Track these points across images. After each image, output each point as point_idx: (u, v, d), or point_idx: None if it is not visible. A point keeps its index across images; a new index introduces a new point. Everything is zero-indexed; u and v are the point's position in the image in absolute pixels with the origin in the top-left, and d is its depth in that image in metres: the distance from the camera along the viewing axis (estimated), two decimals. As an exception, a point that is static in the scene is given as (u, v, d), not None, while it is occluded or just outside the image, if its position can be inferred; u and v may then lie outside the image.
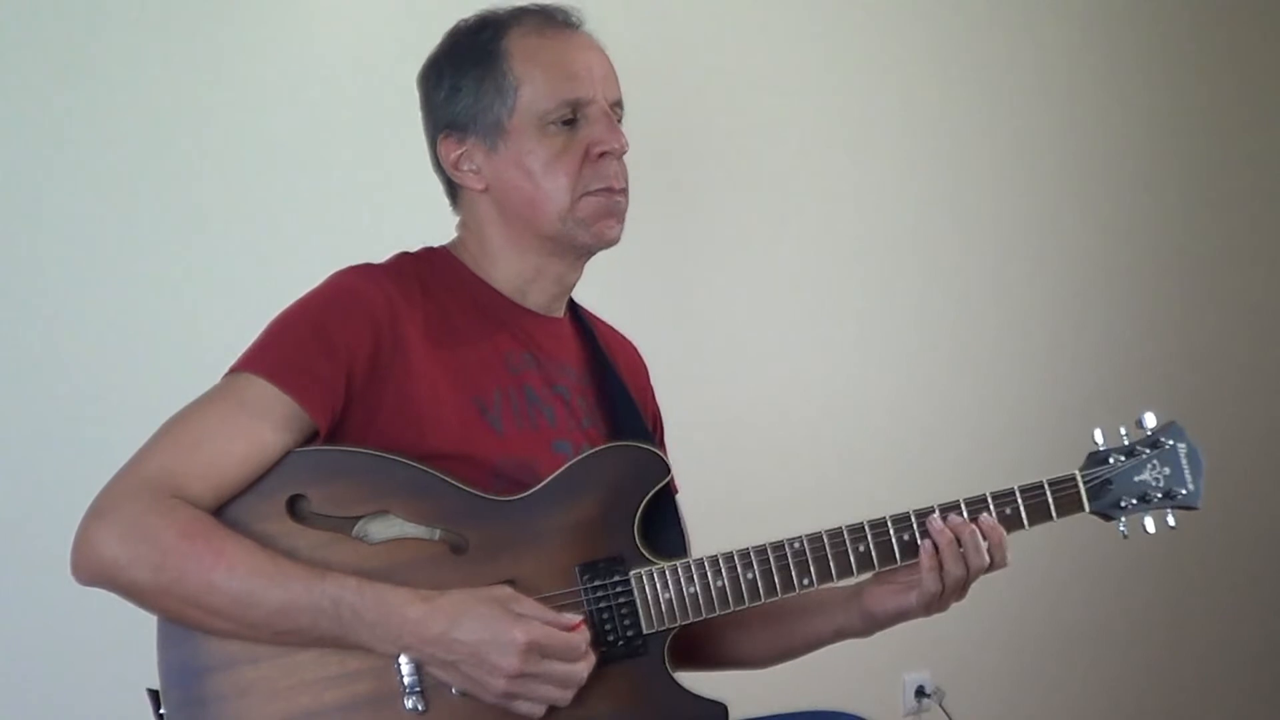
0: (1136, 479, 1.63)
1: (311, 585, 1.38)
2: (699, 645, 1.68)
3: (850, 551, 1.55)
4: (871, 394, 2.98)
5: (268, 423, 1.43)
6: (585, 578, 1.49)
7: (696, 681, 1.55)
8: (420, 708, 1.41)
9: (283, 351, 1.48)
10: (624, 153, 1.61)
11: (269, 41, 2.41)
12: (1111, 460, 1.63)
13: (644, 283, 2.64)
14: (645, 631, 1.50)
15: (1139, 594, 3.25)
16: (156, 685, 1.42)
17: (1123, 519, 1.63)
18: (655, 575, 1.51)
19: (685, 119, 2.74)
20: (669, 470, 1.56)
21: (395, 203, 2.41)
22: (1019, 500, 1.59)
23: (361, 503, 1.45)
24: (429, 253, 1.67)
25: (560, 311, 1.70)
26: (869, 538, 1.55)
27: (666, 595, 1.51)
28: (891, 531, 1.56)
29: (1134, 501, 1.62)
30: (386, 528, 1.45)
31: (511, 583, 1.45)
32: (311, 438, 1.46)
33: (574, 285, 1.70)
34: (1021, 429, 3.08)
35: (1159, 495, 1.63)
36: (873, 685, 2.85)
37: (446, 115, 1.63)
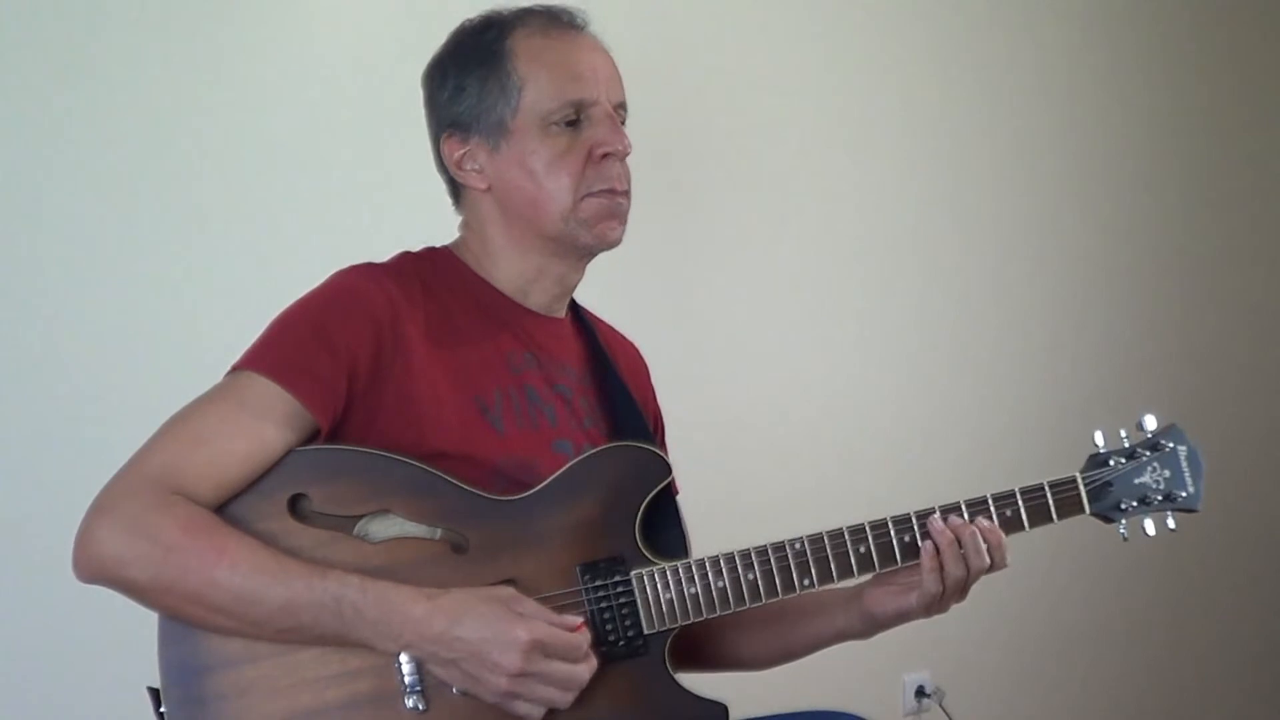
0: (1137, 481, 1.63)
1: (313, 583, 1.38)
2: (699, 646, 1.68)
3: (851, 552, 1.55)
4: (871, 394, 2.98)
5: (269, 421, 1.43)
6: (586, 578, 1.49)
7: (696, 682, 1.55)
8: (421, 707, 1.41)
9: (285, 350, 1.48)
10: (627, 154, 1.61)
11: (269, 41, 2.41)
12: (1112, 463, 1.64)
13: (644, 283, 2.64)
14: (646, 632, 1.50)
15: (1139, 594, 3.25)
16: (157, 683, 1.42)
17: (1123, 521, 1.63)
18: (656, 575, 1.51)
19: (685, 119, 2.74)
20: (670, 470, 1.56)
21: (395, 203, 2.41)
22: (1019, 502, 1.59)
23: (362, 502, 1.45)
24: (431, 252, 1.67)
25: (562, 312, 1.70)
26: (870, 539, 1.56)
27: (667, 595, 1.51)
28: (892, 532, 1.56)
29: (1134, 504, 1.63)
30: (387, 527, 1.46)
31: (512, 582, 1.45)
32: (313, 437, 1.46)
33: (575, 286, 1.70)
34: (1021, 429, 3.08)
35: (1159, 497, 1.63)
36: (873, 685, 2.85)
37: (450, 115, 1.63)
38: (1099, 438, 1.65)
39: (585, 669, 1.42)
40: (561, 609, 1.46)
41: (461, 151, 1.63)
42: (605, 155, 1.58)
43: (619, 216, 1.61)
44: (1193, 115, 3.34)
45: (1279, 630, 3.47)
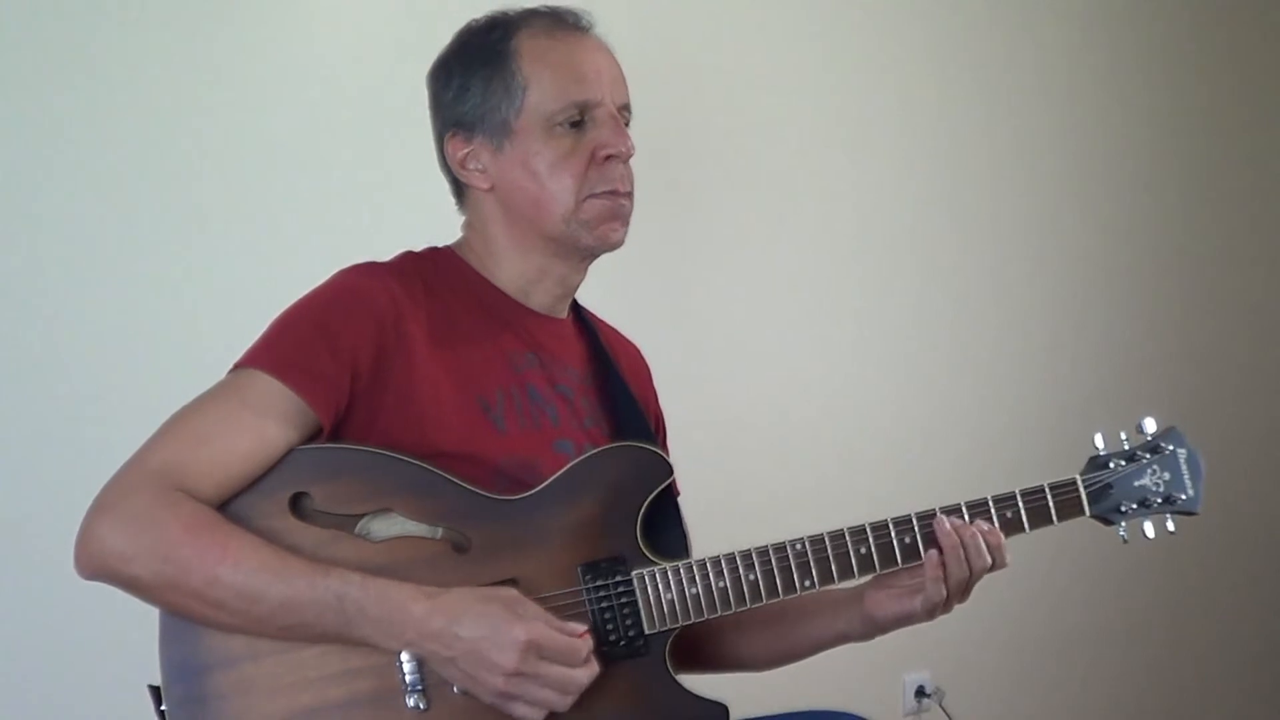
0: (1137, 484, 1.64)
1: (316, 580, 1.38)
2: (699, 647, 1.68)
3: (852, 553, 1.55)
4: (871, 394, 2.98)
5: (272, 419, 1.43)
6: (587, 577, 1.49)
7: (697, 682, 1.55)
8: (422, 706, 1.41)
9: (287, 348, 1.48)
10: (630, 156, 1.61)
11: (269, 41, 2.41)
12: (1112, 465, 1.64)
13: (643, 283, 2.64)
14: (647, 632, 1.50)
15: (1139, 594, 3.25)
16: (157, 681, 1.42)
17: (1123, 523, 1.64)
18: (657, 575, 1.51)
19: (684, 118, 2.74)
20: (671, 471, 1.56)
21: (395, 203, 2.41)
22: (1019, 504, 1.59)
23: (364, 501, 1.45)
24: (433, 252, 1.67)
25: (563, 312, 1.70)
26: (870, 540, 1.56)
27: (668, 595, 1.51)
28: (893, 534, 1.56)
29: (1134, 506, 1.63)
30: (389, 526, 1.46)
31: (514, 582, 1.45)
32: (315, 435, 1.46)
33: (577, 287, 1.70)
34: (1021, 429, 3.08)
35: (1159, 500, 1.64)
36: (873, 685, 2.85)
37: (454, 114, 1.63)
38: (1099, 440, 1.66)
39: (584, 674, 1.42)
40: (562, 608, 1.46)
41: (465, 151, 1.63)
42: (608, 157, 1.59)
43: (621, 218, 1.61)
44: (1193, 115, 3.34)
45: (1279, 630, 3.47)
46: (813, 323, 2.93)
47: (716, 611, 1.52)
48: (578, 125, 1.59)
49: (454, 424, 1.52)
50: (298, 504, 1.44)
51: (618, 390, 1.69)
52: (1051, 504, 1.60)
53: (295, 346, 1.48)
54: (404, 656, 1.41)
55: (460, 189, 1.67)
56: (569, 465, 1.52)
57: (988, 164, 3.10)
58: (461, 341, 1.58)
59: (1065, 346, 3.20)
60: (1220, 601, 3.39)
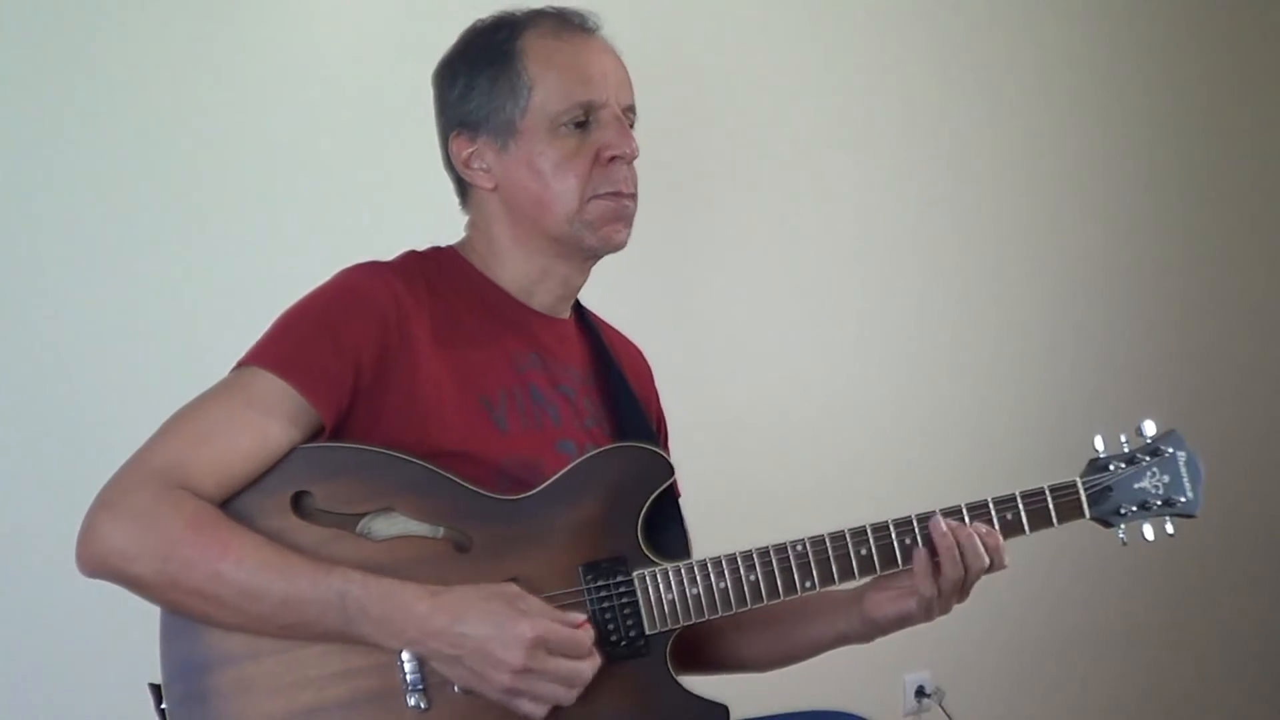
0: (1136, 486, 1.64)
1: (318, 579, 1.38)
2: (700, 648, 1.68)
3: (852, 554, 1.55)
4: (871, 394, 2.98)
5: (274, 417, 1.43)
6: (588, 577, 1.49)
7: (696, 682, 1.55)
8: (423, 705, 1.41)
9: (291, 346, 1.48)
10: (635, 158, 1.61)
11: (269, 41, 2.41)
12: (1112, 467, 1.64)
13: (644, 283, 2.64)
14: (648, 632, 1.50)
15: (1139, 595, 3.26)
16: (157, 680, 1.42)
17: (1122, 526, 1.64)
18: (658, 576, 1.51)
19: (685, 119, 2.74)
20: (673, 471, 1.56)
21: (395, 203, 2.41)
22: (1020, 505, 1.59)
23: (366, 500, 1.45)
24: (436, 252, 1.67)
25: (566, 313, 1.70)
26: (871, 541, 1.56)
27: (669, 596, 1.51)
28: (893, 535, 1.56)
29: (1134, 509, 1.63)
30: (390, 525, 1.45)
31: (515, 581, 1.45)
32: (317, 434, 1.46)
33: (580, 288, 1.70)
34: (1021, 429, 3.08)
35: (1158, 503, 1.64)
36: (873, 685, 2.85)
37: (459, 113, 1.63)
38: (1099, 442, 1.66)
39: (589, 666, 1.42)
40: (564, 609, 1.45)
41: (469, 150, 1.63)
42: (613, 158, 1.59)
43: (625, 219, 1.61)
44: (1193, 115, 3.35)
45: (1279, 630, 3.47)
46: (814, 323, 2.93)
47: (717, 612, 1.52)
48: (582, 126, 1.59)
49: (456, 424, 1.52)
50: (299, 503, 1.44)
51: (619, 391, 1.69)
52: (1051, 506, 1.60)
53: (298, 345, 1.48)
54: (405, 656, 1.41)
55: (464, 188, 1.67)
56: (571, 465, 1.52)
57: (988, 164, 3.10)
58: (464, 341, 1.58)
59: (1065, 347, 3.20)
60: (1220, 601, 3.39)
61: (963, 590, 1.57)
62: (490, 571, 1.45)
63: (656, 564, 1.51)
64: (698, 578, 1.52)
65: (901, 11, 3.00)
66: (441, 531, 1.47)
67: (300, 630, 1.39)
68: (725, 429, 2.76)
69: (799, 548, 1.54)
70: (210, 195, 2.34)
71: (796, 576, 1.54)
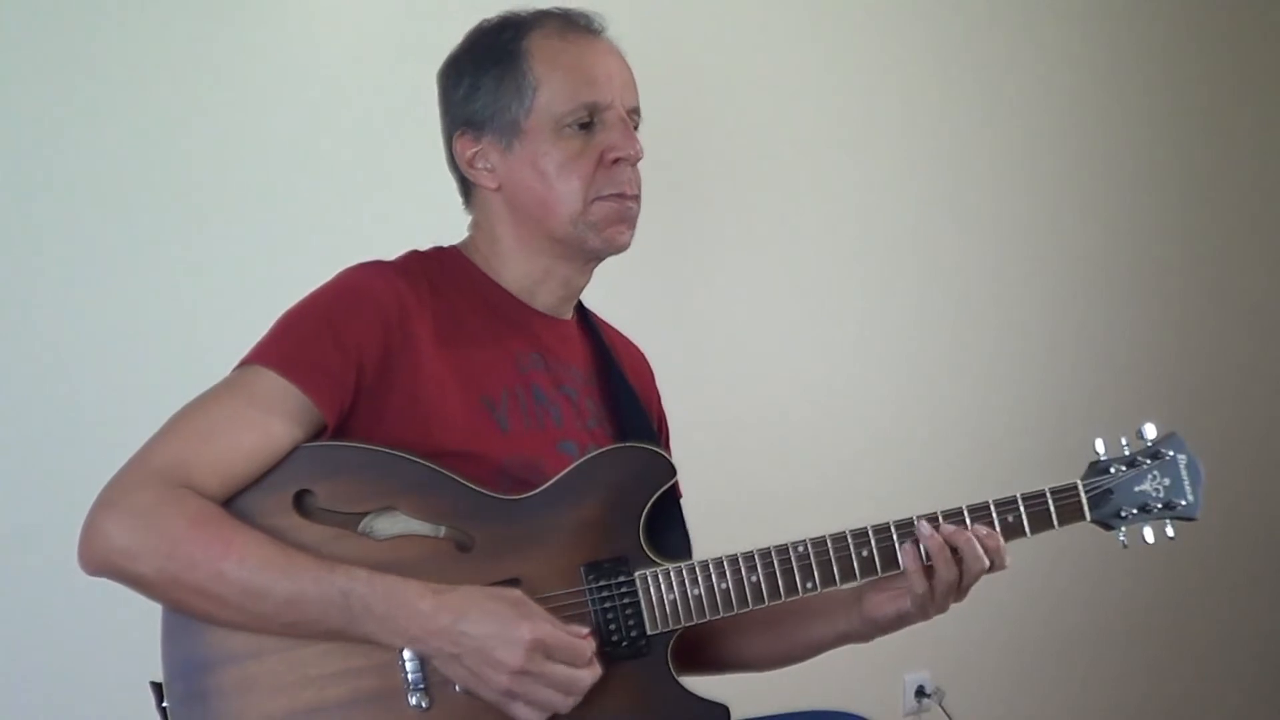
0: (1137, 489, 1.64)
1: (321, 577, 1.38)
2: (700, 648, 1.68)
3: (854, 555, 1.55)
4: (871, 394, 2.98)
5: (277, 416, 1.43)
6: (590, 578, 1.49)
7: (696, 682, 1.55)
8: (424, 704, 1.41)
9: (293, 345, 1.48)
10: (639, 159, 1.61)
11: (269, 41, 2.41)
12: (1113, 470, 1.64)
13: (644, 283, 2.64)
14: (649, 632, 1.50)
15: (1139, 595, 3.25)
16: (159, 678, 1.42)
17: (1122, 529, 1.64)
18: (660, 576, 1.51)
19: (685, 119, 2.74)
20: (674, 472, 1.56)
21: (395, 203, 2.41)
22: (1021, 508, 1.59)
23: (367, 499, 1.45)
24: (439, 252, 1.67)
25: (568, 313, 1.70)
26: (872, 542, 1.56)
27: (671, 596, 1.51)
28: (894, 536, 1.56)
29: (1134, 511, 1.63)
30: (392, 524, 1.46)
31: (516, 581, 1.45)
32: (319, 432, 1.46)
33: (582, 289, 1.70)
34: (1021, 429, 3.08)
35: (1159, 505, 1.64)
36: (873, 685, 2.85)
37: (464, 113, 1.63)
38: (1100, 445, 1.66)
39: (588, 674, 1.42)
40: (565, 608, 1.45)
41: (473, 150, 1.63)
42: (617, 160, 1.59)
43: (628, 221, 1.61)
44: (1193, 115, 3.35)
45: (1279, 630, 3.47)
46: (814, 323, 2.93)
47: (719, 613, 1.52)
48: (587, 127, 1.59)
49: (458, 423, 1.52)
50: (301, 501, 1.44)
51: (621, 391, 1.70)
52: (1053, 508, 1.60)
53: (301, 344, 1.48)
54: (406, 655, 1.41)
55: (468, 188, 1.67)
56: (573, 465, 1.52)
57: (989, 164, 3.10)
58: (467, 341, 1.58)
59: (1065, 347, 3.20)
60: (1220, 601, 3.39)
61: (960, 590, 1.57)
62: (492, 571, 1.45)
63: (658, 564, 1.51)
64: (699, 578, 1.52)
65: (901, 11, 3.00)
66: (443, 531, 1.47)
67: (303, 629, 1.39)
68: (725, 429, 2.76)
69: (800, 549, 1.54)
70: (210, 195, 2.34)
71: (798, 577, 1.54)
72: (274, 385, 1.44)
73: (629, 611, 1.49)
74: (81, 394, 2.24)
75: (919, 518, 1.56)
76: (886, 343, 3.00)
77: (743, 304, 2.86)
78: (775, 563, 1.53)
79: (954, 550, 1.54)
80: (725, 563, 1.53)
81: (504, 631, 1.38)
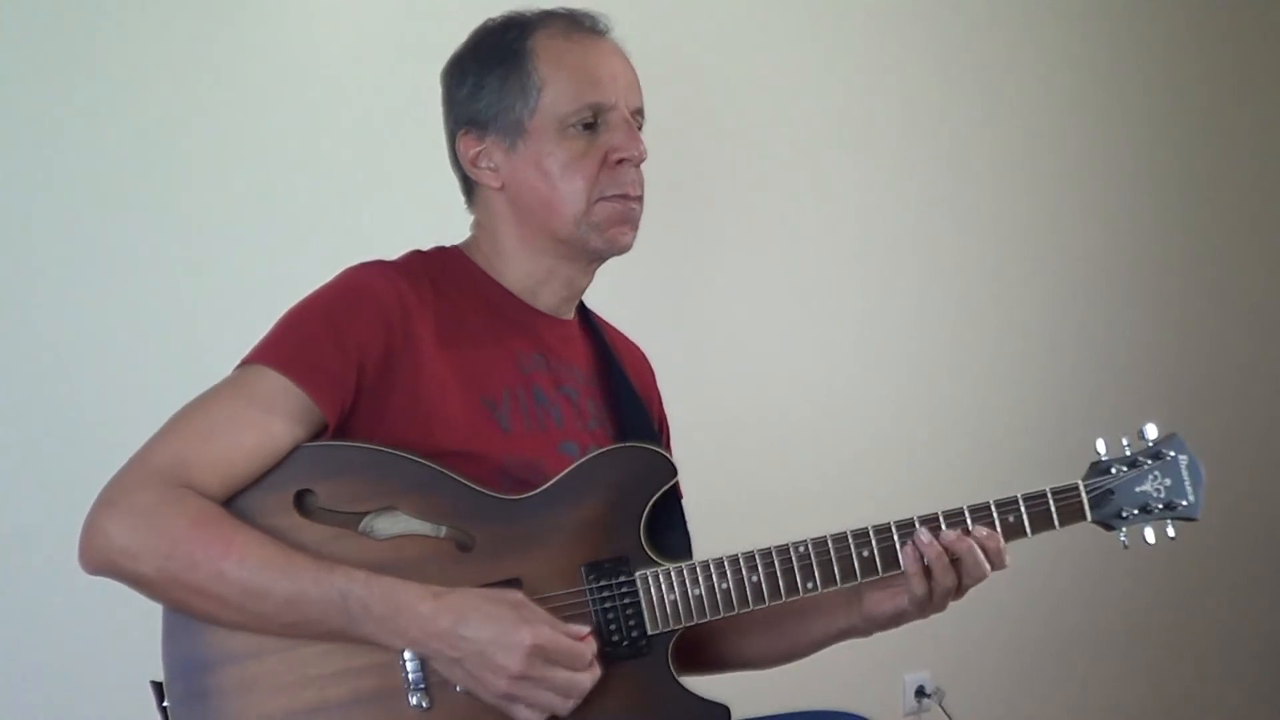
0: (1138, 489, 1.64)
1: (321, 577, 1.38)
2: (701, 647, 1.68)
3: (854, 556, 1.55)
4: (871, 394, 2.98)
5: (278, 415, 1.43)
6: (590, 578, 1.49)
7: (696, 681, 1.55)
8: (425, 705, 1.41)
9: (294, 344, 1.48)
10: (642, 160, 1.61)
11: (269, 41, 2.41)
12: (1114, 470, 1.64)
13: (644, 283, 2.64)
14: (650, 632, 1.50)
15: (1139, 595, 3.25)
16: (159, 678, 1.42)
17: (1123, 529, 1.64)
18: (660, 576, 1.51)
19: (685, 119, 2.74)
20: (675, 472, 1.56)
21: (395, 203, 2.41)
22: (1022, 508, 1.59)
23: (368, 499, 1.45)
24: (441, 252, 1.67)
25: (569, 314, 1.70)
26: (873, 542, 1.56)
27: (671, 597, 1.51)
28: (895, 537, 1.56)
29: (1135, 512, 1.63)
30: (393, 524, 1.46)
31: (517, 581, 1.45)
32: (320, 432, 1.46)
33: (584, 289, 1.70)
34: (1021, 429, 3.08)
35: (1160, 506, 1.64)
36: (873, 685, 2.85)
37: (468, 112, 1.63)
38: (1101, 446, 1.66)
39: (588, 678, 1.42)
40: (565, 608, 1.46)
41: (477, 149, 1.63)
42: (620, 160, 1.59)
43: (631, 222, 1.62)
44: (1193, 115, 3.34)
45: (1279, 630, 3.47)
46: (814, 323, 2.93)
47: (719, 613, 1.52)
48: (591, 128, 1.59)
49: (459, 423, 1.52)
50: (302, 501, 1.44)
51: (622, 392, 1.70)
52: (1054, 509, 1.60)
53: (302, 343, 1.48)
54: (407, 655, 1.41)
55: (470, 187, 1.68)
56: (573, 465, 1.52)
57: (988, 164, 3.10)
58: (469, 341, 1.58)
59: (1065, 347, 3.20)
60: (1220, 601, 3.39)
61: (958, 591, 1.57)
62: (492, 571, 1.45)
63: (659, 564, 1.51)
64: (700, 578, 1.52)
65: (901, 11, 3.00)
66: (444, 531, 1.47)
67: (302, 629, 1.39)
68: (725, 429, 2.75)
69: (801, 549, 1.54)
70: (210, 195, 2.34)
71: (798, 577, 1.54)
72: (275, 385, 1.44)
73: (629, 611, 1.49)
74: (81, 394, 2.25)
75: (920, 519, 1.56)
76: (886, 343, 3.00)
77: (743, 304, 2.86)
78: (776, 563, 1.53)
79: (955, 558, 1.54)
80: (726, 563, 1.53)
81: (504, 636, 1.38)
